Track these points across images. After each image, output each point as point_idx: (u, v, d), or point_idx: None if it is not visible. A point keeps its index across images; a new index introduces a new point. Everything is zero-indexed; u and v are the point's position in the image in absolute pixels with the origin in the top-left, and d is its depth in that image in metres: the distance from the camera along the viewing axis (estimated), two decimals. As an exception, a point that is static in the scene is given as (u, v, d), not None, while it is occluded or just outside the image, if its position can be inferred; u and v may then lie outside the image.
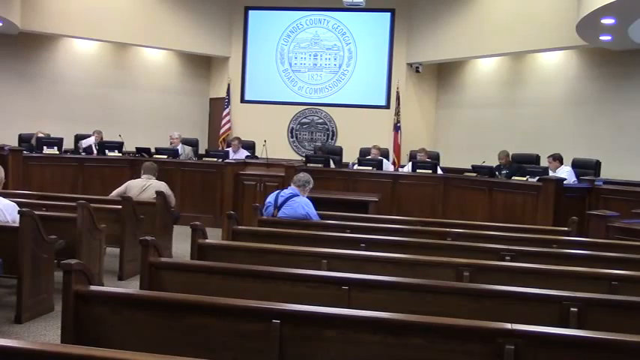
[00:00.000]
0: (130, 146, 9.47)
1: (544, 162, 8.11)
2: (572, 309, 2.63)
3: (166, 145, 9.77)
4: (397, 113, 10.98)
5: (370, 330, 2.23)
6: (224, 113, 11.54)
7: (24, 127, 9.89)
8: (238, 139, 10.01)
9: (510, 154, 8.83)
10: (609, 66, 8.89)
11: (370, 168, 8.71)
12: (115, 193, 6.44)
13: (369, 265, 3.47)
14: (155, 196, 6.23)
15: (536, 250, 4.09)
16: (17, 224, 4.22)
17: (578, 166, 7.98)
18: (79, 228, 4.81)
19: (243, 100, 11.86)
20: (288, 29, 11.74)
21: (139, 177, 6.72)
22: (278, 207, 5.16)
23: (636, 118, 8.53)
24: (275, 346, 2.26)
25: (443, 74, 11.77)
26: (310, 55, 11.71)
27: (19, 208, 4.34)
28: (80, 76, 11.16)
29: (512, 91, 10.46)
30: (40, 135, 9.13)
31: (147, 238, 3.06)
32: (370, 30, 11.51)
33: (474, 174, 8.12)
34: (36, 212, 4.35)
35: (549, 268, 3.43)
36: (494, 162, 8.68)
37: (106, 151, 8.97)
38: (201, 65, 12.40)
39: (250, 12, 11.78)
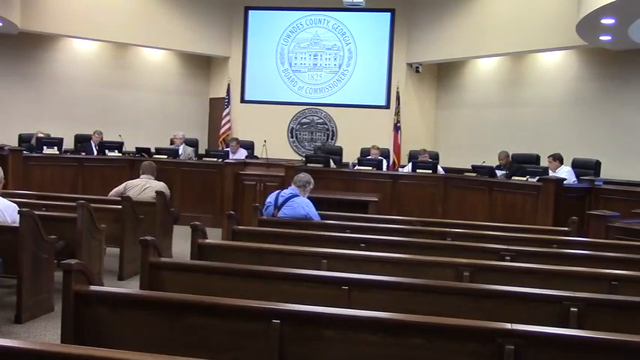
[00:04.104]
0: (130, 146, 9.48)
1: (544, 162, 8.11)
2: (572, 309, 2.63)
3: (166, 145, 9.78)
4: (397, 113, 10.98)
5: (370, 330, 2.23)
6: (224, 113, 11.54)
7: (24, 127, 9.89)
8: (236, 139, 10.02)
9: (510, 154, 8.84)
10: (609, 66, 8.89)
11: (370, 168, 8.71)
12: (113, 192, 6.44)
13: (368, 265, 3.47)
14: (154, 195, 6.22)
15: (536, 250, 4.09)
16: (17, 224, 4.22)
17: (578, 166, 7.98)
18: (79, 228, 4.80)
19: (243, 100, 11.86)
20: (288, 29, 11.74)
21: (139, 177, 6.71)
22: (278, 207, 5.16)
23: (636, 118, 8.53)
24: (275, 346, 2.26)
25: (443, 74, 11.76)
26: (310, 55, 11.71)
27: (19, 209, 4.34)
28: (80, 76, 11.16)
29: (512, 91, 10.46)
30: (40, 135, 9.13)
31: (147, 238, 3.06)
32: (370, 30, 11.51)
33: (474, 174, 8.12)
34: (36, 212, 4.36)
35: (549, 268, 3.43)
36: (494, 162, 8.69)
37: (106, 151, 8.97)
38: (201, 65, 12.39)
39: (250, 12, 11.78)
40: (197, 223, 3.72)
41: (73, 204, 4.96)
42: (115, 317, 2.44)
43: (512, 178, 7.49)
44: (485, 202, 7.55)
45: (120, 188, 6.46)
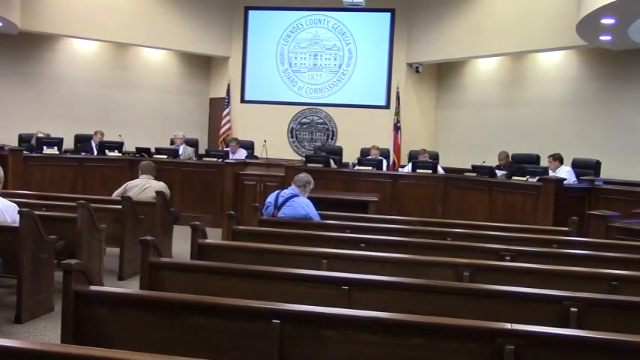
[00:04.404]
0: (130, 146, 9.48)
1: (544, 162, 8.11)
2: (572, 309, 2.63)
3: (166, 145, 9.78)
4: (397, 113, 10.98)
5: (370, 330, 2.23)
6: (224, 113, 11.54)
7: (24, 127, 9.89)
8: (236, 139, 10.01)
9: (510, 154, 8.84)
10: (609, 66, 8.89)
11: (370, 168, 8.71)
12: (115, 195, 6.44)
13: (368, 265, 3.47)
14: (154, 195, 6.22)
15: (536, 250, 4.09)
16: (17, 224, 4.22)
17: (578, 166, 7.98)
18: (79, 228, 4.81)
19: (243, 100, 11.86)
20: (288, 29, 11.74)
21: (138, 177, 6.70)
22: (278, 207, 5.16)
23: (636, 118, 8.53)
24: (275, 346, 2.26)
25: (443, 74, 11.77)
26: (310, 55, 11.72)
27: (19, 209, 4.34)
28: (80, 76, 11.16)
29: (512, 91, 10.46)
30: (40, 135, 9.13)
31: (147, 238, 3.06)
32: (370, 30, 11.51)
33: (474, 174, 8.12)
34: (36, 212, 4.35)
35: (549, 268, 3.43)
36: (494, 162, 8.69)
37: (106, 151, 8.97)
38: (201, 65, 12.39)
39: (250, 12, 11.78)
40: (197, 223, 3.72)
41: (73, 204, 4.96)
42: (115, 317, 2.44)
43: (512, 178, 7.49)
44: (486, 202, 7.54)
45: (120, 190, 6.44)
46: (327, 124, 11.65)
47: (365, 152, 9.91)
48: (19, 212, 4.24)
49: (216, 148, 10.83)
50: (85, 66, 11.21)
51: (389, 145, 10.71)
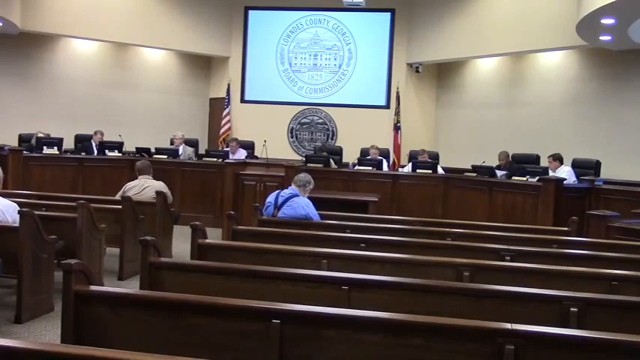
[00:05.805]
0: (130, 146, 9.48)
1: (544, 162, 8.11)
2: (572, 309, 2.63)
3: (166, 145, 9.78)
4: (397, 113, 10.98)
5: (370, 330, 2.23)
6: (224, 113, 11.55)
7: (24, 127, 9.89)
8: (236, 140, 10.01)
9: (510, 154, 8.84)
10: (609, 66, 8.89)
11: (370, 168, 8.71)
12: (117, 197, 6.41)
13: (369, 265, 3.47)
14: (153, 195, 6.20)
15: (536, 250, 4.09)
16: (17, 224, 4.22)
17: (578, 166, 7.98)
18: (79, 228, 4.80)
19: (243, 100, 11.87)
20: (288, 29, 11.74)
21: (137, 178, 6.66)
22: (278, 207, 5.16)
23: (636, 118, 8.52)
24: (275, 346, 2.26)
25: (443, 74, 11.77)
26: (310, 55, 11.72)
27: (19, 209, 4.34)
28: (80, 76, 11.16)
29: (512, 91, 10.46)
30: (40, 135, 9.12)
31: (147, 238, 3.06)
32: (370, 30, 11.51)
33: (474, 174, 8.12)
34: (36, 212, 4.35)
35: (549, 268, 3.43)
36: (494, 162, 8.69)
37: (106, 151, 8.97)
38: (201, 65, 12.39)
39: (250, 12, 11.78)
40: (197, 223, 3.72)
41: (73, 204, 4.96)
42: (115, 317, 2.43)
43: (512, 178, 7.49)
44: (486, 202, 7.54)
45: (120, 193, 6.39)
46: (327, 124, 11.65)
47: (365, 152, 9.90)
48: (19, 212, 4.24)
49: (216, 148, 10.83)
50: (85, 66, 11.20)
51: (389, 145, 10.71)
